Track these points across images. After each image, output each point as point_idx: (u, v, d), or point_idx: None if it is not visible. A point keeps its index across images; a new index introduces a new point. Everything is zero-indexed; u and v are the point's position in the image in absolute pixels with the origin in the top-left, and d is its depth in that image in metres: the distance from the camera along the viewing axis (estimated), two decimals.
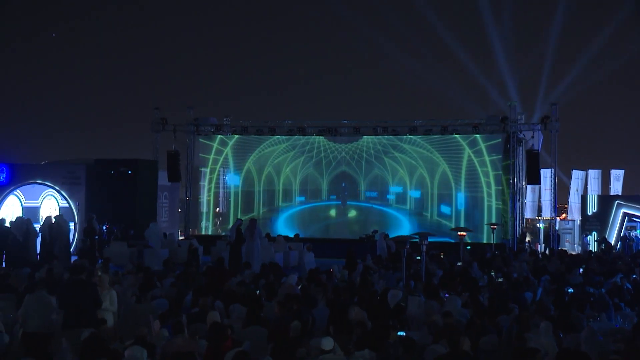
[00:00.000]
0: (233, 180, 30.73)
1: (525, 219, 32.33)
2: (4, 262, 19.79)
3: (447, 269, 17.72)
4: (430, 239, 17.03)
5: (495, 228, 24.96)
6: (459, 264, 19.06)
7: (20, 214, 23.74)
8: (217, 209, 31.15)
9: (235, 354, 7.97)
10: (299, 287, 14.38)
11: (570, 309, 11.99)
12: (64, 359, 8.37)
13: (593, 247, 28.11)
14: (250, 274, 16.08)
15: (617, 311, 13.40)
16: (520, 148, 28.23)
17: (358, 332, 10.10)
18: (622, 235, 28.54)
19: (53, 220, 21.30)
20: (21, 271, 15.20)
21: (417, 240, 16.57)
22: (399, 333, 9.49)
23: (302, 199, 30.60)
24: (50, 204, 25.43)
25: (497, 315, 11.67)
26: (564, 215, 34.89)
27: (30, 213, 23.46)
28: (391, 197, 29.88)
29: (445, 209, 29.25)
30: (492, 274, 16.99)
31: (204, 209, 30.88)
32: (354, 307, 11.64)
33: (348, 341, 9.82)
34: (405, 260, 15.65)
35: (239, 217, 25.81)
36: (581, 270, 18.24)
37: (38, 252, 20.78)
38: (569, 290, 14.28)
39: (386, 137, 29.31)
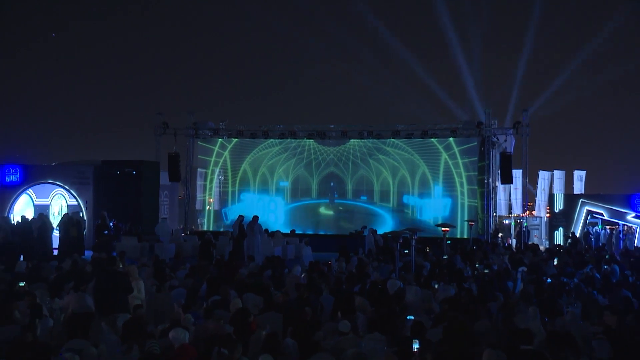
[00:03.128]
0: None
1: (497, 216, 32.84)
2: (21, 256, 19.91)
3: (435, 262, 18.15)
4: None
5: (472, 224, 25.47)
6: (445, 257, 19.48)
7: (32, 211, 23.88)
8: (208, 207, 31.36)
9: (266, 336, 8.29)
10: (302, 276, 14.75)
11: (555, 297, 12.47)
12: (108, 340, 8.63)
13: (561, 241, 28.73)
14: (255, 266, 16.40)
15: None
16: (494, 150, 28.73)
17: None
18: (585, 230, 29.16)
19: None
20: (49, 264, 15.47)
21: (407, 235, 17.02)
22: (408, 317, 9.87)
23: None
24: (59, 202, 25.58)
25: (486, 302, 12.13)
26: (527, 212, 35.44)
27: (40, 211, 23.59)
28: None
29: (424, 207, 29.76)
30: (477, 265, 17.44)
31: (203, 207, 31.13)
32: (356, 296, 12.03)
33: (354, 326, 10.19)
34: (398, 253, 16.06)
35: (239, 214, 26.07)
36: (555, 262, 18.78)
37: (54, 246, 20.99)
38: (548, 280, 14.77)
39: (371, 140, 29.70)
